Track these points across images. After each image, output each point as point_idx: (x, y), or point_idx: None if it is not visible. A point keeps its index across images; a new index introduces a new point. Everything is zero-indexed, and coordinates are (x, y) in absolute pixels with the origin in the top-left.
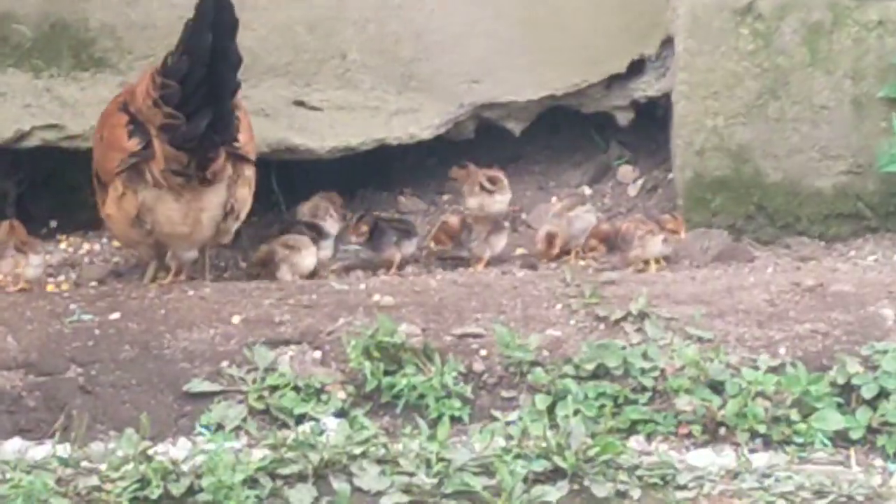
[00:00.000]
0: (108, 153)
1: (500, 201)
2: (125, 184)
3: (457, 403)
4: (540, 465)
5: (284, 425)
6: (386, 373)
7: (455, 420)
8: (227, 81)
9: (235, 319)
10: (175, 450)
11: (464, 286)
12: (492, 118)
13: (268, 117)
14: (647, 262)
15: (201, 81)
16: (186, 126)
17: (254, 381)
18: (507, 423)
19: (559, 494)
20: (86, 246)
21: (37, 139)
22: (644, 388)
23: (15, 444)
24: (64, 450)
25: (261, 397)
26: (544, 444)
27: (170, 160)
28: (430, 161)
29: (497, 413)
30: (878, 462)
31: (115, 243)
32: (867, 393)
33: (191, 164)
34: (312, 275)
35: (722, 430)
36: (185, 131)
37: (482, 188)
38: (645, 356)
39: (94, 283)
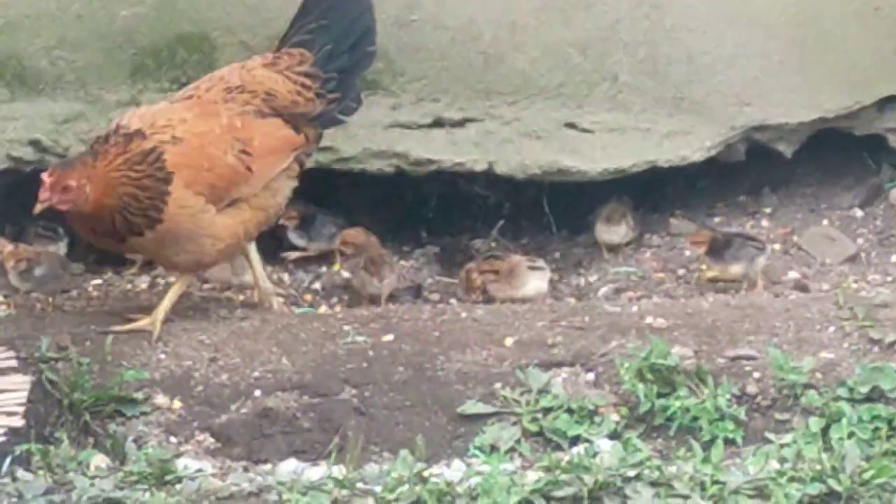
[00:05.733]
0: None
1: None
2: None
3: (730, 426)
4: (814, 488)
5: (558, 447)
6: (659, 395)
7: (728, 442)
8: None
9: (508, 341)
10: (449, 472)
11: (736, 308)
12: (762, 140)
13: (539, 139)
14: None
15: None
16: None
17: (527, 403)
18: (781, 446)
19: None
20: None
21: (310, 161)
22: None
23: (290, 465)
24: (339, 471)
25: (534, 419)
26: (819, 467)
27: None
28: (701, 183)
29: (771, 435)
30: None
31: None
32: None
33: None
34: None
35: None
36: None
37: None
38: None
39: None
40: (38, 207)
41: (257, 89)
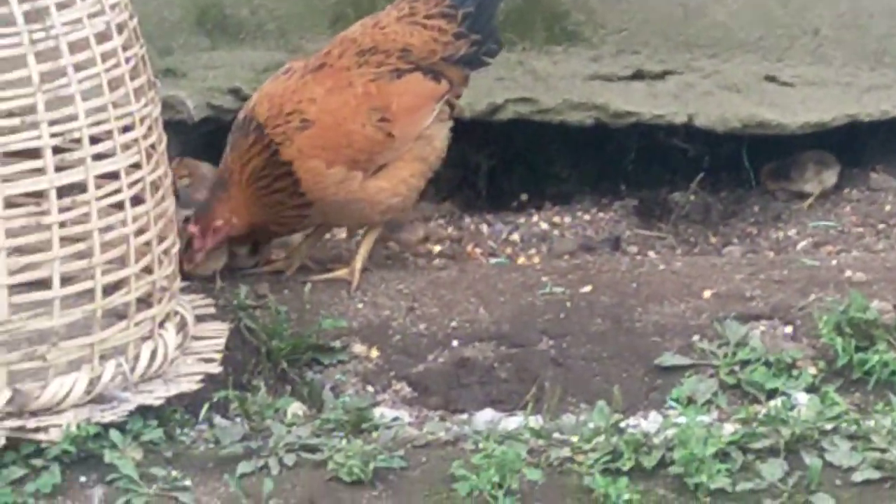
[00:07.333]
0: None
1: None
2: None
3: None
4: None
5: (755, 400)
6: (857, 349)
7: None
8: None
9: (706, 294)
10: (646, 423)
11: None
12: None
13: (739, 93)
14: None
15: None
16: None
17: (725, 356)
18: None
19: None
20: (556, 219)
21: (510, 112)
22: None
23: (487, 415)
24: (536, 421)
25: (732, 372)
26: None
27: None
28: None
29: None
30: None
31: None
32: None
33: None
34: None
35: None
36: None
37: None
38: None
39: (565, 257)
40: (198, 257)
41: (390, 48)
